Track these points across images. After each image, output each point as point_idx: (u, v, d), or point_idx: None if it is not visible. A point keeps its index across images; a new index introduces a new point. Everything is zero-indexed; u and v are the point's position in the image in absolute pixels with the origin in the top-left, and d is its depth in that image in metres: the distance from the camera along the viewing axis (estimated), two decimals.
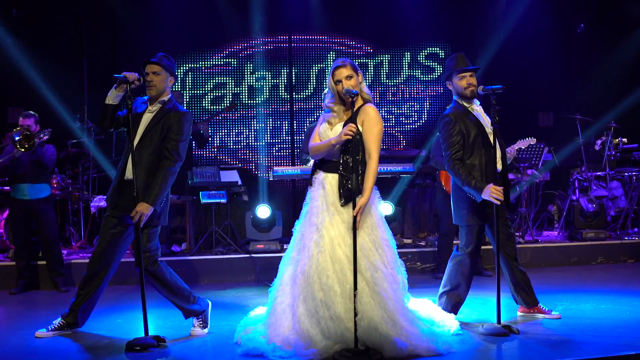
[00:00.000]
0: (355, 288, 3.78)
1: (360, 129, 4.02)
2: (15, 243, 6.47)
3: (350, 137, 3.90)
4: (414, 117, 10.24)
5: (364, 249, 3.94)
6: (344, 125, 3.97)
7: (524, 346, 4.04)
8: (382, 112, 10.00)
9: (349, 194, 3.95)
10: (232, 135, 9.87)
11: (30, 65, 8.84)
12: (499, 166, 4.63)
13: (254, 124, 9.91)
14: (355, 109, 4.05)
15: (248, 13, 9.56)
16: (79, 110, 7.94)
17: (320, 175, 4.14)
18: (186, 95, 9.77)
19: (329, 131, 4.14)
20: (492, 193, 4.37)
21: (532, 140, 7.02)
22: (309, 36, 10.06)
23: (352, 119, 3.96)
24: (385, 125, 9.95)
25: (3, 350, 4.19)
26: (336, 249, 3.95)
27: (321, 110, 9.78)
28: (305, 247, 4.05)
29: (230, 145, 9.83)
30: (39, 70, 8.80)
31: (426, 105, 10.25)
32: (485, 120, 4.70)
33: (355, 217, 3.85)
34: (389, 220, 7.37)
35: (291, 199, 9.21)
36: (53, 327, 4.49)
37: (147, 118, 4.42)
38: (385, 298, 3.88)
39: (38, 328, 4.54)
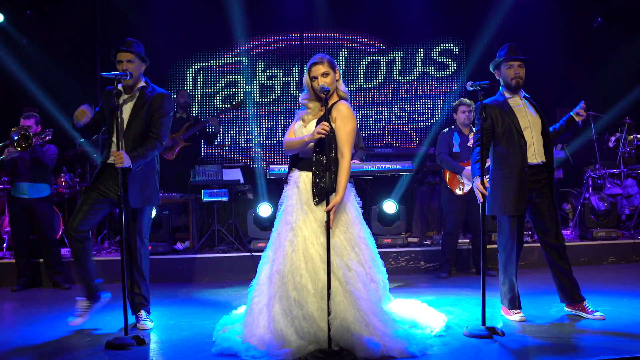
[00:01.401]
0: (329, 287, 3.73)
1: (334, 126, 3.97)
2: (15, 241, 6.55)
3: (323, 136, 3.85)
4: (427, 114, 10.12)
5: (337, 248, 3.89)
6: (317, 123, 3.93)
7: (503, 349, 3.93)
8: (394, 110, 9.93)
9: (322, 193, 3.91)
10: (244, 133, 9.89)
11: (44, 65, 9.01)
12: (535, 159, 4.59)
13: (265, 122, 9.93)
14: (329, 106, 4.00)
15: (259, 11, 9.58)
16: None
17: (295, 174, 4.11)
18: (197, 94, 9.83)
19: (302, 128, 4.10)
20: (477, 187, 4.40)
21: None
22: (320, 33, 10.03)
23: (325, 117, 3.91)
24: (398, 123, 10.00)
25: None
26: (309, 247, 3.91)
27: None
28: (281, 246, 4.02)
29: (241, 144, 9.86)
30: (52, 71, 8.96)
31: (439, 102, 10.12)
32: (527, 114, 4.67)
33: (328, 216, 3.81)
34: (392, 219, 7.38)
35: None
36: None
37: (129, 106, 4.52)
38: (358, 298, 3.82)
39: (30, 325, 4.62)
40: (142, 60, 4.58)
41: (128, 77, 4.29)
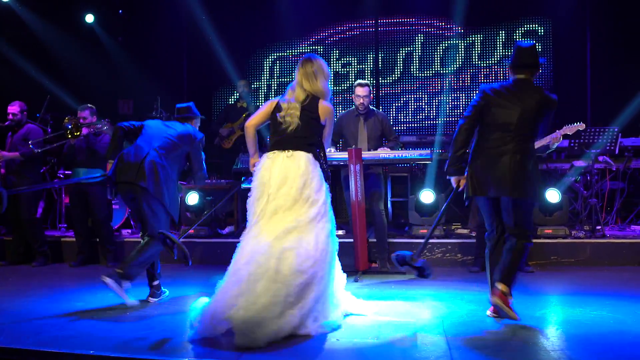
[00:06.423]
0: None
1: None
2: (74, 222, 7.23)
3: None
4: None
5: None
6: None
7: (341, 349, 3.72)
8: (473, 95, 9.52)
9: None
10: None
11: (137, 64, 9.77)
12: None
13: (339, 110, 9.98)
14: None
15: None
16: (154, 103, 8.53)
17: None
18: (274, 84, 10.13)
19: None
20: None
21: (581, 126, 6.35)
22: (395, 19, 9.87)
23: None
24: None
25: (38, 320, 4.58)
26: None
27: (408, 95, 9.56)
28: None
29: None
30: (144, 69, 9.70)
31: None
32: None
33: None
34: (431, 208, 7.11)
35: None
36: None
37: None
38: None
39: (74, 300, 5.11)
40: None
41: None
